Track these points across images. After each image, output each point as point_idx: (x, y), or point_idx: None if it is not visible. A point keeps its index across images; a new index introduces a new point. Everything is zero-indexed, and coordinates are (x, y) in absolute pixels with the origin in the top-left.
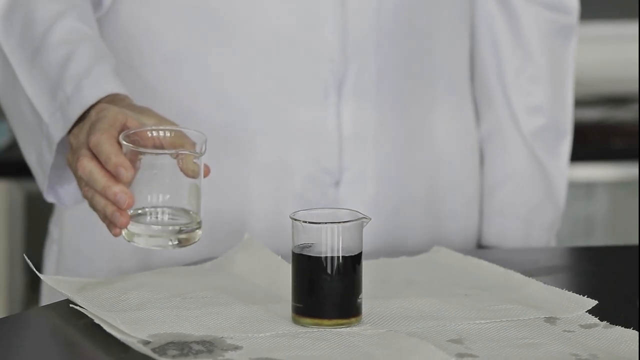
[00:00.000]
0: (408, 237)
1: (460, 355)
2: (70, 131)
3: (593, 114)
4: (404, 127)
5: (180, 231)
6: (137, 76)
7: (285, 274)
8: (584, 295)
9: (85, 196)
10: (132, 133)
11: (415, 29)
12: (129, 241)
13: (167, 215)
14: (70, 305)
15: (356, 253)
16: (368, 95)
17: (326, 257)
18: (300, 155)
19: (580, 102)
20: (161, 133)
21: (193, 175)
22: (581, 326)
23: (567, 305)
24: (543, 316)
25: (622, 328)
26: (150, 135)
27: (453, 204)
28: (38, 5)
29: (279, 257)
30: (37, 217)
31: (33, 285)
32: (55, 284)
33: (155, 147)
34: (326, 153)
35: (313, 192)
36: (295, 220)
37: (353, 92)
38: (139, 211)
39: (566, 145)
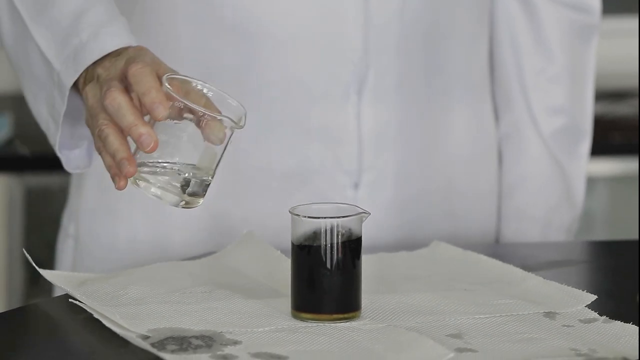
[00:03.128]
0: (425, 237)
1: (459, 350)
2: (95, 64)
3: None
4: (422, 128)
5: (186, 185)
6: None
7: (284, 268)
8: (583, 290)
9: (99, 135)
10: (175, 78)
11: (436, 30)
12: (132, 183)
13: (177, 169)
14: (70, 300)
15: (355, 248)
16: (388, 96)
17: (325, 252)
18: (320, 157)
19: None
20: (205, 90)
21: (218, 142)
22: (580, 321)
23: (567, 300)
24: (542, 311)
25: (622, 323)
26: (193, 86)
27: (470, 203)
28: None
29: (279, 251)
30: (36, 212)
31: (32, 280)
32: (55, 279)
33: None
34: (346, 155)
35: (332, 194)
36: (295, 214)
37: (373, 93)
38: (151, 161)
39: (585, 146)
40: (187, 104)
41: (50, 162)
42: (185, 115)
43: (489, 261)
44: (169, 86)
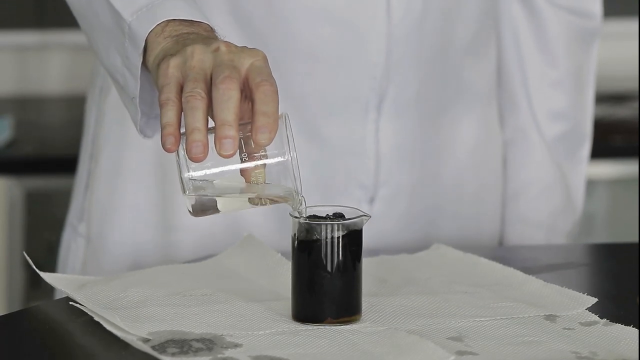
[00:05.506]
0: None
1: (460, 352)
2: (213, 42)
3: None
4: (435, 140)
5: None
6: None
7: (285, 271)
8: (584, 293)
9: (188, 99)
10: (287, 121)
11: (450, 41)
12: (183, 192)
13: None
14: (70, 302)
15: (356, 251)
16: (406, 111)
17: (326, 255)
18: (337, 172)
19: None
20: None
21: (252, 180)
22: (581, 324)
23: (567, 302)
24: (543, 314)
25: (622, 325)
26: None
27: (481, 212)
28: None
29: (279, 254)
30: (37, 215)
31: (33, 282)
32: (55, 282)
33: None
34: (363, 170)
35: None
36: (295, 217)
37: (393, 108)
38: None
39: (586, 150)
40: (285, 149)
41: (50, 165)
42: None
43: (490, 264)
44: (286, 123)
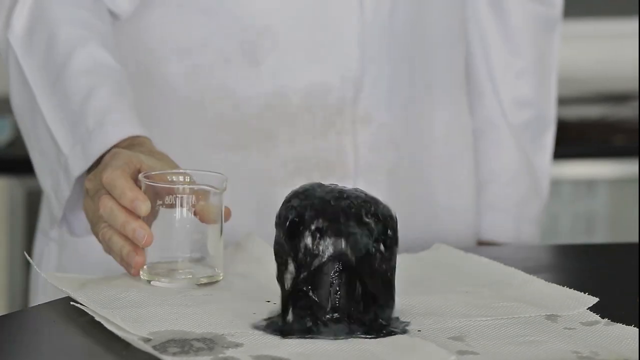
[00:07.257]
0: (413, 236)
1: (461, 352)
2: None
3: (594, 112)
4: (409, 134)
5: (199, 280)
6: (154, 86)
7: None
8: (585, 293)
9: (102, 239)
10: (151, 175)
11: (420, 36)
12: (149, 281)
13: (186, 264)
14: (71, 302)
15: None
16: (381, 102)
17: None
18: (317, 162)
19: (581, 100)
20: (180, 178)
21: (214, 220)
22: (582, 323)
23: (568, 302)
24: (544, 314)
25: (623, 325)
26: (169, 179)
27: (457, 205)
28: (61, 29)
29: None
30: (38, 214)
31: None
32: (57, 282)
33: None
34: (341, 161)
35: None
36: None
37: (368, 100)
38: (160, 260)
39: (550, 137)
40: (164, 186)
41: None
42: (179, 208)
43: (491, 264)
44: (146, 180)
